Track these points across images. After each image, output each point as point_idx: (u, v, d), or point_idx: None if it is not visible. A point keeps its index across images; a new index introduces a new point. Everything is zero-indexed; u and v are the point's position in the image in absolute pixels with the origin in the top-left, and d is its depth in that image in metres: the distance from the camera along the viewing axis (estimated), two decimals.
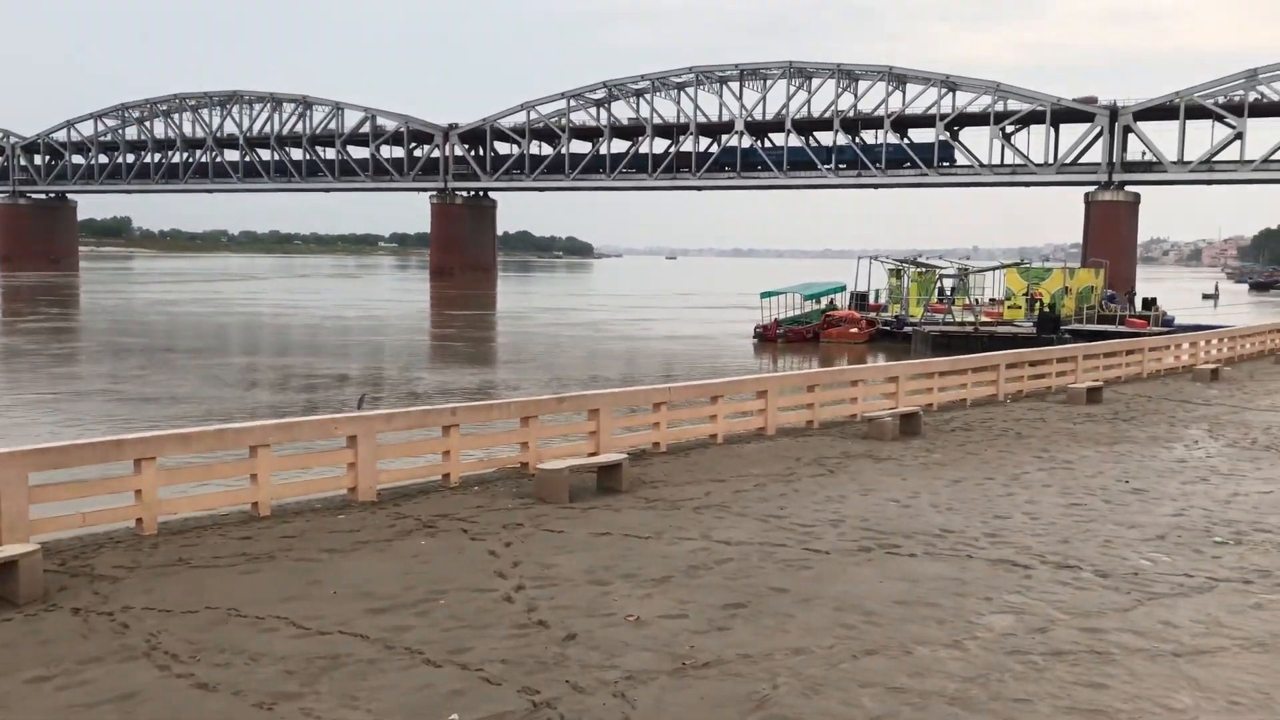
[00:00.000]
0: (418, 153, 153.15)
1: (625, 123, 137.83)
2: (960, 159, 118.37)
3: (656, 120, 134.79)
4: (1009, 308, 60.07)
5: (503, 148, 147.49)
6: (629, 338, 65.28)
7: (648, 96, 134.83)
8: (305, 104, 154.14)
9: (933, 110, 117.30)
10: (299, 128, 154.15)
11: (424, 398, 35.90)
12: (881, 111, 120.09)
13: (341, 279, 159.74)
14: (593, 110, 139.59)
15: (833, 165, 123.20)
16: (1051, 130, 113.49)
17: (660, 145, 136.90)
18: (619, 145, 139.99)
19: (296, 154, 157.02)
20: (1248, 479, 16.52)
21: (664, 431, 18.02)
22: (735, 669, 8.43)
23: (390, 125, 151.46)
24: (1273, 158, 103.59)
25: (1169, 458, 18.26)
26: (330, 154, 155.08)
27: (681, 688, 8.04)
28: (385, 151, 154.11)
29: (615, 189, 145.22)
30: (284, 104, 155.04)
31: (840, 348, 53.80)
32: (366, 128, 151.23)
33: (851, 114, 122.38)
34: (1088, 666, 8.68)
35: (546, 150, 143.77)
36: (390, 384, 41.73)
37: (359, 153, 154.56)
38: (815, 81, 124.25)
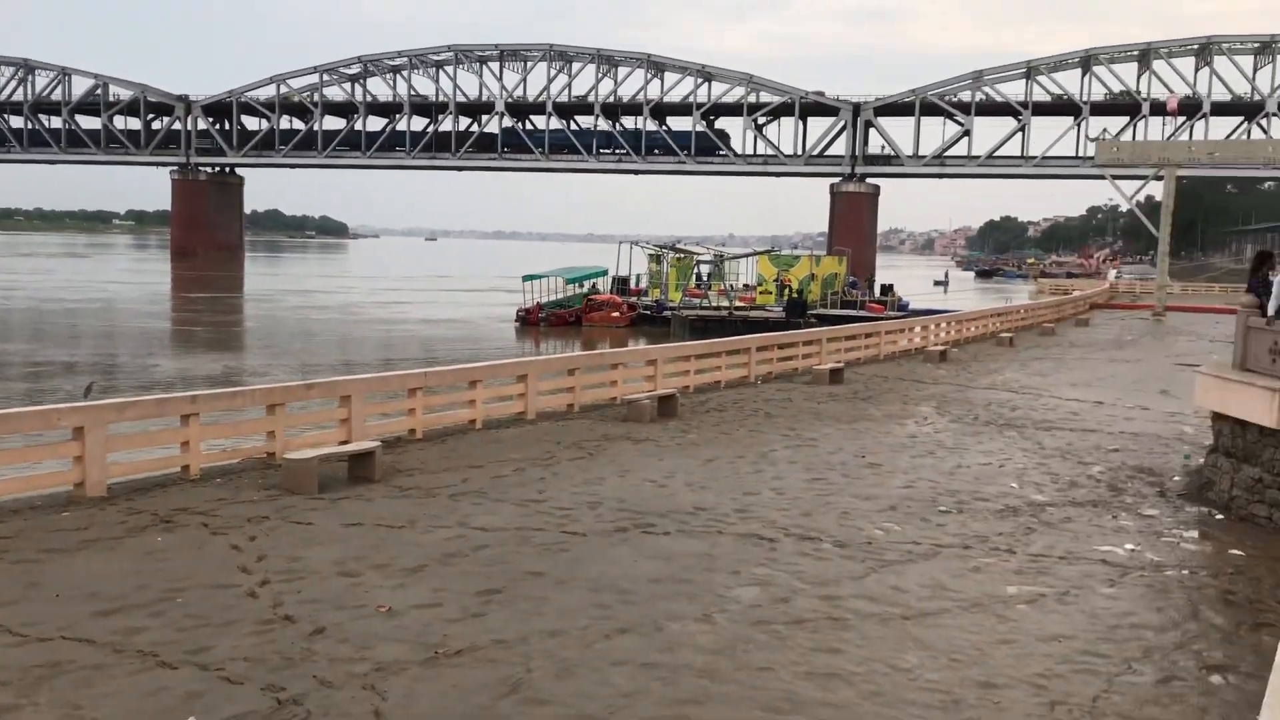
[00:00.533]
0: (156, 125, 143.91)
1: (382, 100, 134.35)
2: (729, 148, 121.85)
3: (415, 98, 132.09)
4: (761, 293, 62.54)
5: (251, 123, 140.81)
6: (384, 322, 63.76)
7: (405, 74, 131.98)
8: (26, 68, 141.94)
9: (690, 99, 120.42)
10: (19, 94, 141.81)
11: (161, 386, 33.85)
12: (641, 98, 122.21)
13: (71, 259, 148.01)
14: (347, 86, 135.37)
15: (594, 149, 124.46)
16: (800, 123, 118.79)
17: (419, 124, 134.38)
18: (375, 123, 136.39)
19: (17, 122, 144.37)
20: (969, 452, 17.86)
21: (420, 418, 17.70)
22: (489, 655, 8.40)
23: (125, 94, 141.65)
24: (996, 154, 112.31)
25: (901, 433, 19.50)
26: (57, 123, 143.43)
27: (434, 677, 7.94)
28: (120, 122, 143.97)
29: (372, 168, 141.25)
30: (1, 67, 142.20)
31: (602, 331, 54.47)
32: (97, 96, 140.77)
33: (612, 99, 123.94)
34: (826, 633, 9.17)
35: (299, 126, 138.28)
36: (124, 372, 39.06)
37: (90, 123, 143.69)
38: (576, 65, 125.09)
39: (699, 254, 67.82)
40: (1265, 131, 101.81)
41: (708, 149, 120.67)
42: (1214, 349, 35.22)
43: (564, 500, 13.58)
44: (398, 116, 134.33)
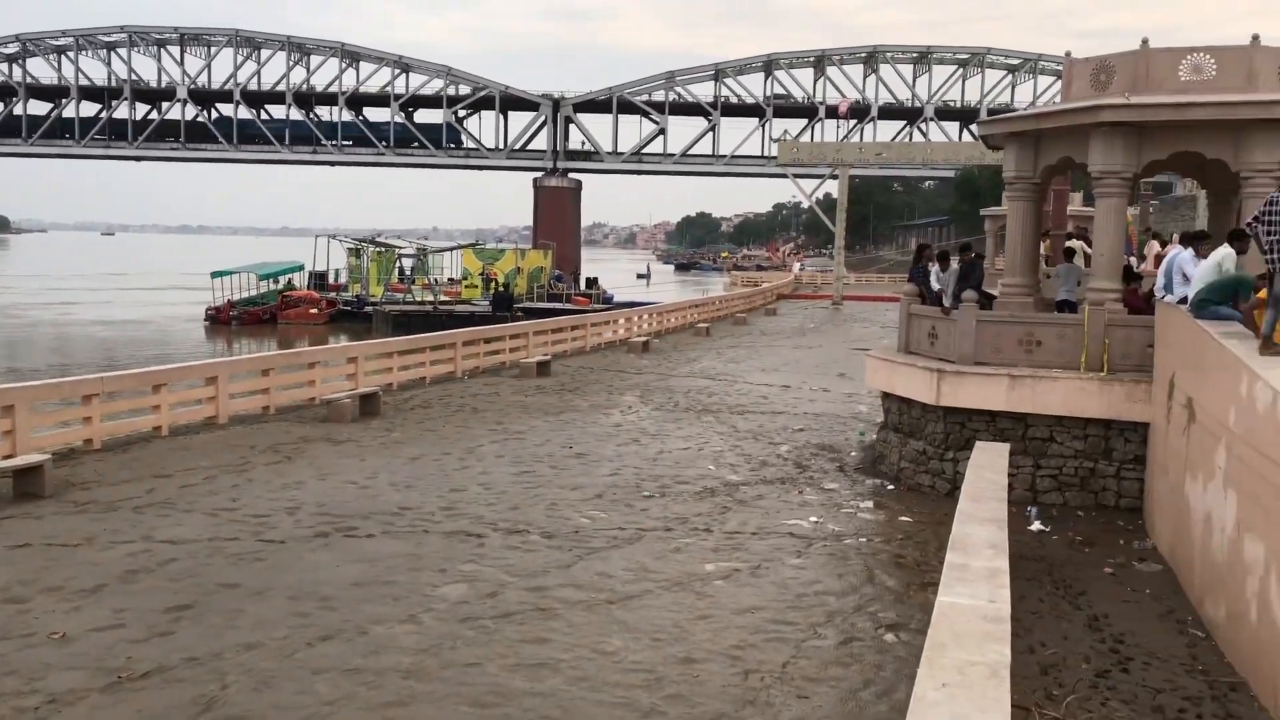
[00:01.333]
0: None
1: (46, 83, 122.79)
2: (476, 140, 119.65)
3: (83, 82, 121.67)
4: (466, 287, 62.15)
5: None
6: (52, 325, 58.49)
7: (72, 55, 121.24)
8: None
9: (387, 90, 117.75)
10: None
11: None
12: (336, 88, 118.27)
13: None
14: (4, 66, 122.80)
15: (287, 141, 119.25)
16: (501, 117, 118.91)
17: (90, 109, 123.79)
18: (39, 108, 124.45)
19: None
20: (671, 437, 18.54)
21: (97, 426, 16.36)
22: (179, 674, 7.90)
23: None
24: (690, 152, 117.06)
25: (607, 423, 19.97)
26: None
27: (116, 704, 7.38)
28: None
29: (35, 156, 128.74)
30: None
31: (300, 329, 52.36)
32: None
33: (305, 89, 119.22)
34: (533, 624, 9.25)
35: None
36: None
37: None
38: (265, 53, 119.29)
39: (401, 247, 66.55)
40: (924, 135, 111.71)
41: (436, 140, 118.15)
42: (884, 334, 38.29)
43: (260, 507, 12.97)
44: (64, 101, 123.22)
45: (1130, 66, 14.17)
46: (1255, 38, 13.76)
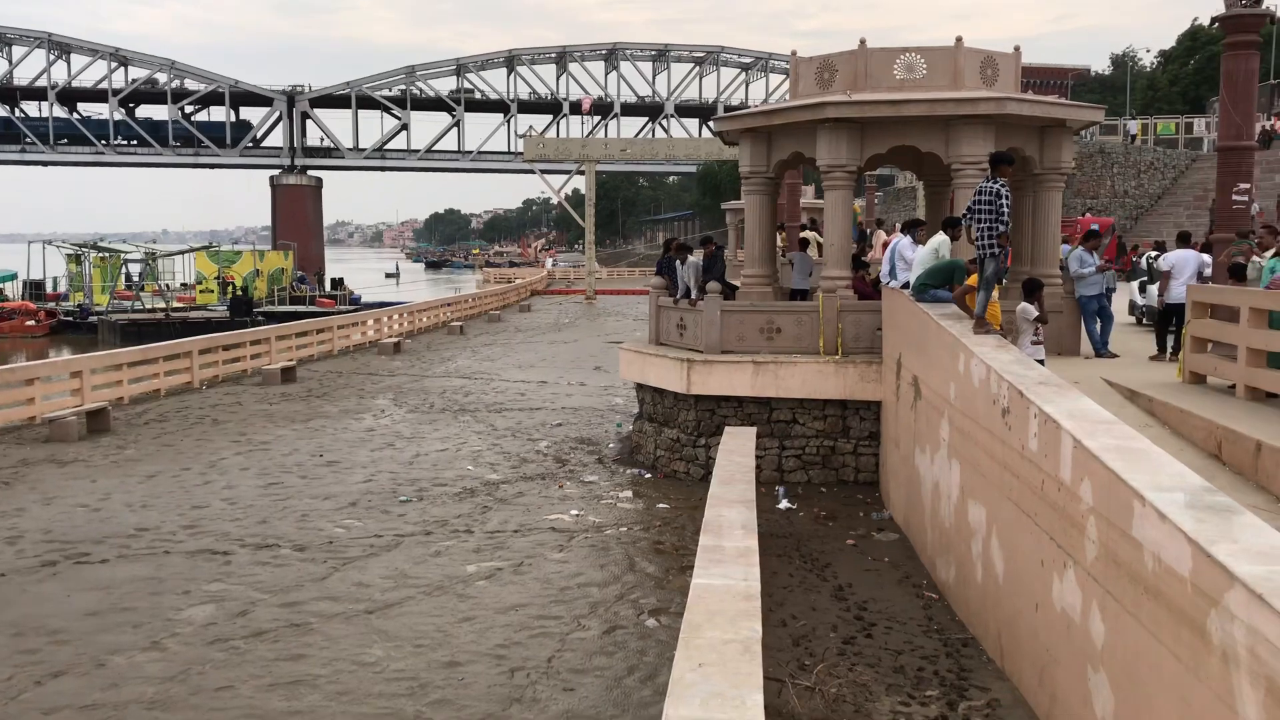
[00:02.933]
0: None
1: None
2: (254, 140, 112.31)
3: None
4: (201, 292, 58.85)
5: None
6: None
7: None
8: None
9: (104, 84, 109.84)
10: None
11: None
12: (44, 81, 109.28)
13: None
14: None
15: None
16: (233, 112, 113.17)
17: None
18: None
19: None
20: (427, 440, 18.24)
21: None
22: None
23: None
24: (435, 148, 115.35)
25: (359, 428, 19.43)
26: None
27: None
28: None
29: None
30: None
31: (15, 342, 48.14)
32: None
33: (6, 82, 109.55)
34: (288, 641, 8.89)
35: None
36: None
37: None
38: None
39: (127, 252, 62.27)
40: (666, 130, 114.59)
41: (163, 139, 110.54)
42: (637, 327, 39.09)
43: None
44: None
45: (851, 65, 15.04)
46: (959, 40, 14.88)
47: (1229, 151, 12.87)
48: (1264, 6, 12.41)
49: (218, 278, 59.63)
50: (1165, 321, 13.51)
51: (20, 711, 7.46)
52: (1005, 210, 10.36)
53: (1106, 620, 5.75)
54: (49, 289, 59.33)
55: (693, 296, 15.82)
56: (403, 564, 11.08)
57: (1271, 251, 11.62)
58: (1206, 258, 13.56)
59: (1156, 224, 41.01)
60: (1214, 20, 12.93)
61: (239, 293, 53.39)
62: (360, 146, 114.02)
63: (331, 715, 7.47)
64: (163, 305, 53.77)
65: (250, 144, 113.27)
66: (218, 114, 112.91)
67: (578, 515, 13.15)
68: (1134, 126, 56.16)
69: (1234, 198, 12.78)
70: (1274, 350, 9.63)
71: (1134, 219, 47.00)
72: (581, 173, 63.20)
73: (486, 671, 8.28)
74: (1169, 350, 12.94)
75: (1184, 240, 14.90)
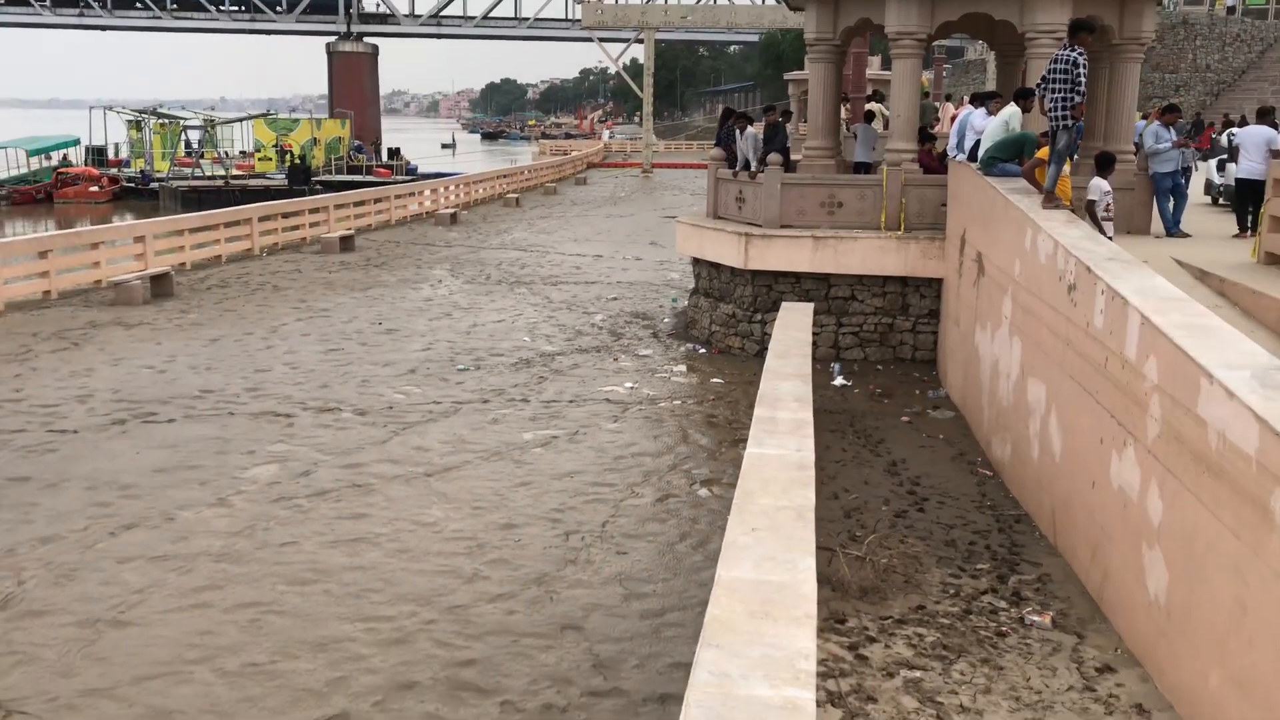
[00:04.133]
0: None
1: None
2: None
3: None
4: (260, 160, 59.04)
5: None
6: None
7: None
8: None
9: None
10: None
11: None
12: None
13: None
14: None
15: (48, 3, 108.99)
16: None
17: None
18: None
19: None
20: (484, 310, 18.35)
21: None
22: None
23: None
24: (492, 14, 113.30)
25: (417, 297, 19.58)
26: None
27: None
28: None
29: None
30: None
31: (80, 208, 48.83)
32: None
33: None
34: (350, 500, 9.13)
35: None
36: None
37: None
38: None
39: (187, 119, 62.41)
40: None
41: (218, 1, 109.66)
42: (695, 201, 38.67)
43: (47, 397, 12.22)
44: None
45: None
46: None
47: None
48: None
49: (275, 146, 59.73)
50: (1242, 199, 13.09)
51: (96, 559, 7.77)
52: (1082, 80, 9.96)
53: (1165, 498, 5.69)
54: (111, 155, 59.87)
55: (752, 169, 15.54)
56: (461, 430, 11.26)
57: None
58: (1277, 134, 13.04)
59: (1240, 100, 39.37)
60: None
61: (297, 161, 53.52)
62: (416, 13, 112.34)
63: (392, 571, 7.69)
64: (222, 173, 54.13)
65: (306, 8, 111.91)
66: None
67: (632, 388, 13.23)
68: None
69: None
70: None
71: (1214, 95, 45.14)
72: (640, 41, 61.84)
73: (542, 534, 8.45)
74: (1249, 228, 12.53)
75: (1262, 116, 14.30)
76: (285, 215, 26.95)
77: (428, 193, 37.24)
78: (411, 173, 58.34)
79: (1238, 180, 13.18)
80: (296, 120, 66.96)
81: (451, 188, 39.22)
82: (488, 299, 19.51)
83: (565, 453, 10.59)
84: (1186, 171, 13.84)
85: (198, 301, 18.78)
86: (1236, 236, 12.70)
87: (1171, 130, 13.62)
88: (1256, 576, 4.60)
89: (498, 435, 11.12)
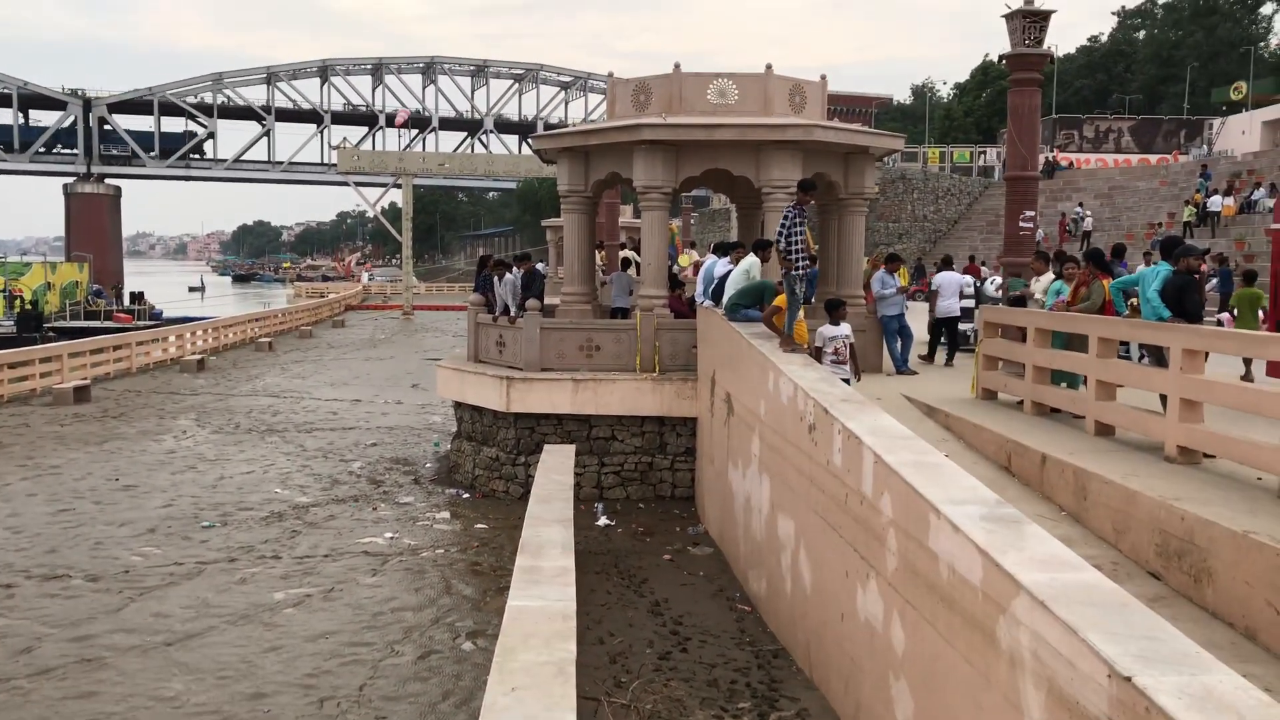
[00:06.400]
0: None
1: None
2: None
3: None
4: None
5: None
6: None
7: None
8: None
9: None
10: None
11: None
12: None
13: None
14: None
15: None
16: (21, 116, 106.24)
17: None
18: None
19: None
20: (233, 462, 17.51)
21: None
22: None
23: None
24: (244, 158, 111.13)
25: (159, 450, 18.48)
26: None
27: None
28: None
29: None
30: None
31: None
32: None
33: None
34: (78, 678, 8.37)
35: None
36: None
37: None
38: None
39: None
40: (485, 146, 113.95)
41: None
42: (456, 343, 38.59)
43: None
44: None
45: (666, 89, 15.32)
46: (769, 67, 15.36)
47: (1015, 181, 13.67)
48: (1045, 47, 13.28)
49: (3, 291, 55.82)
50: (936, 333, 15.78)
51: None
52: (799, 233, 10.75)
53: (906, 629, 6.00)
54: None
55: (511, 314, 15.75)
56: (205, 592, 10.59)
57: (1049, 277, 12.44)
58: (967, 279, 16.67)
59: (954, 246, 43.26)
60: (1001, 58, 13.74)
61: (28, 307, 50.09)
62: (164, 154, 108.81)
63: None
64: None
65: (42, 149, 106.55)
66: (5, 117, 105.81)
67: (392, 538, 12.86)
68: (931, 155, 59.26)
69: (1020, 224, 13.60)
70: (1056, 369, 10.31)
71: (933, 242, 49.46)
72: (398, 186, 62.11)
73: (294, 702, 7.99)
74: (938, 356, 15.46)
75: (947, 264, 17.20)
76: (12, 365, 25.03)
77: (173, 338, 35.58)
78: (156, 317, 55.61)
79: (936, 319, 15.66)
80: (29, 264, 62.93)
81: (199, 332, 37.65)
82: (237, 449, 18.64)
83: (319, 612, 10.12)
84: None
85: None
86: (923, 358, 15.22)
87: (894, 277, 14.82)
88: (990, 702, 4.89)
89: (245, 596, 10.52)
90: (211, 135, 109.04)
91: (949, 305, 15.43)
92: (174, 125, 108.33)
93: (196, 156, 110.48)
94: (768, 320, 11.36)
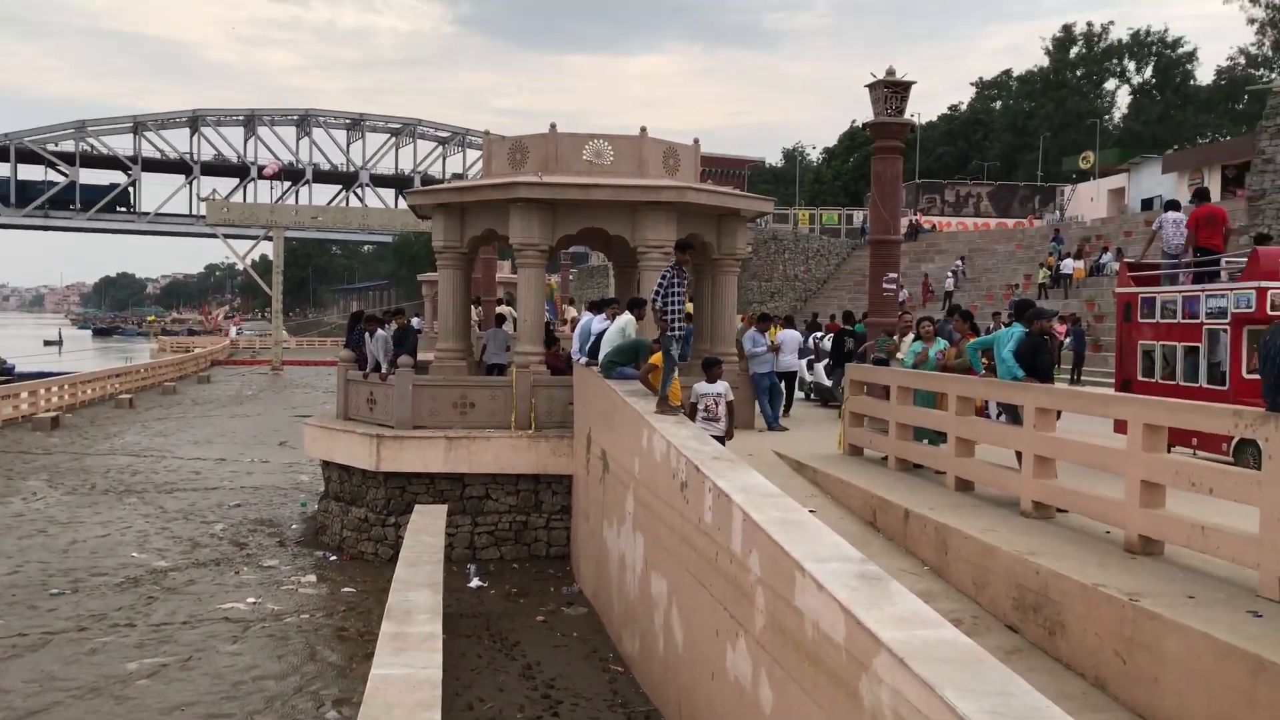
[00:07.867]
0: None
1: None
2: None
3: None
4: None
5: None
6: None
7: None
8: None
9: None
10: None
11: None
12: None
13: None
14: None
15: None
16: None
17: None
18: None
19: None
20: (86, 524, 16.72)
21: None
22: None
23: None
24: (107, 207, 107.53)
25: (6, 513, 17.54)
26: None
27: None
28: None
29: None
30: None
31: None
32: None
33: None
34: None
35: None
36: None
37: None
38: None
39: None
40: (360, 200, 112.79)
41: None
42: (327, 399, 37.72)
43: None
44: None
45: (542, 148, 15.42)
46: (643, 130, 15.62)
47: (879, 244, 14.20)
48: (907, 116, 13.86)
49: None
50: (780, 386, 16.39)
51: None
52: (676, 294, 10.88)
53: (774, 687, 6.04)
54: None
55: (383, 370, 15.50)
56: (51, 665, 10.04)
57: (911, 335, 12.85)
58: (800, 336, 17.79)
59: (824, 305, 44.41)
60: (864, 125, 14.30)
61: None
62: (21, 203, 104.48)
63: None
64: None
65: None
66: None
67: (255, 603, 12.42)
68: (801, 216, 60.92)
69: (884, 285, 14.09)
70: (919, 425, 10.62)
71: (804, 300, 50.66)
72: (269, 238, 60.85)
73: None
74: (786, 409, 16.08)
75: (789, 322, 18.79)
76: None
77: (25, 395, 33.90)
78: (8, 373, 52.97)
79: (779, 373, 15.98)
80: None
81: (54, 388, 35.98)
82: (91, 511, 17.81)
83: (176, 682, 9.68)
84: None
85: None
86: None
87: (765, 335, 15.12)
88: None
89: (96, 668, 10.01)
90: (73, 184, 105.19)
91: (789, 361, 16.14)
92: (34, 174, 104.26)
93: (123, 209, 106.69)
94: (644, 378, 11.43)
